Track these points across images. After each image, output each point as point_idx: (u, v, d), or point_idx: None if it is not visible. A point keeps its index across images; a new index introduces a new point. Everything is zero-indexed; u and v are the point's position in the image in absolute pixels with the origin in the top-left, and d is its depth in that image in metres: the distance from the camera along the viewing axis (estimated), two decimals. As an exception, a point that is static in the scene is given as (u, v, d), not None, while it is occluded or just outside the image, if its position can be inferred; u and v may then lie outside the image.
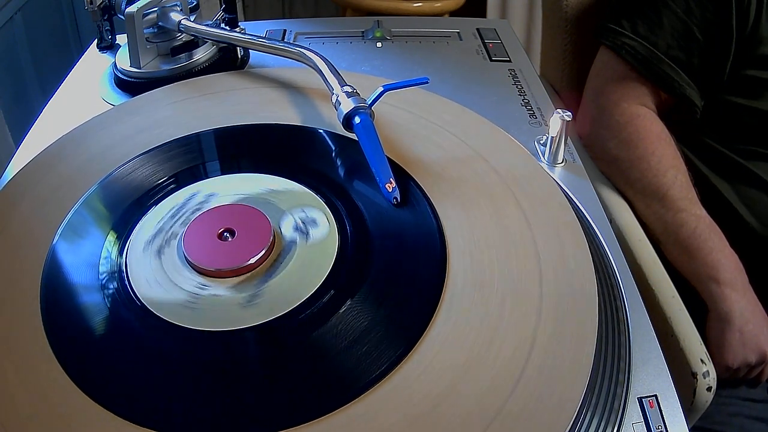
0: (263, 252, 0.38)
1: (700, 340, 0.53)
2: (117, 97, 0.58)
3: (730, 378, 0.60)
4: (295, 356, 0.34)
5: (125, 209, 0.42)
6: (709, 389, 0.51)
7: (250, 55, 0.64)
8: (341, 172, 0.46)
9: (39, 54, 1.15)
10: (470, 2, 1.29)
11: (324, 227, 0.40)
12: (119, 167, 0.45)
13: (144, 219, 0.41)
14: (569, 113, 0.49)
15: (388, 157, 0.43)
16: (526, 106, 0.58)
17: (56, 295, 0.37)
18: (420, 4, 1.25)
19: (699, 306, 0.60)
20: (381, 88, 0.46)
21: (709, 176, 0.69)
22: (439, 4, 1.25)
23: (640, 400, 0.35)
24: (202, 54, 0.59)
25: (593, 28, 0.72)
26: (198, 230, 0.40)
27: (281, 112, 0.51)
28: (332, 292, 0.36)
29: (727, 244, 0.62)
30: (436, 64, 0.65)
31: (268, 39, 0.57)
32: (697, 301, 0.60)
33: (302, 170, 0.45)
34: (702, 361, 0.51)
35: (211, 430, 0.31)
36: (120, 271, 0.38)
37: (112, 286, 0.37)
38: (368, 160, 0.43)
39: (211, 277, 0.38)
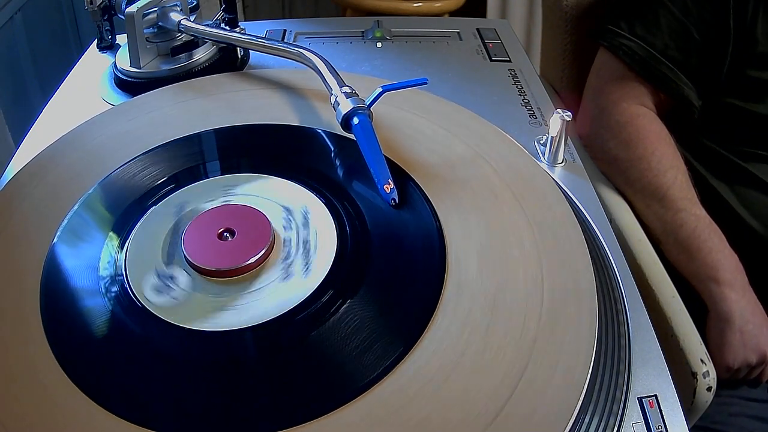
0: (263, 252, 0.38)
1: (700, 340, 0.53)
2: (117, 97, 0.58)
3: (730, 378, 0.60)
4: (295, 356, 0.34)
5: (125, 209, 0.42)
6: (709, 389, 0.50)
7: (250, 55, 0.64)
8: (341, 172, 0.46)
9: (39, 54, 1.15)
10: (470, 2, 1.29)
11: (323, 227, 0.40)
12: (119, 167, 0.45)
13: (143, 221, 0.41)
14: (569, 113, 0.49)
15: (387, 158, 0.43)
16: (526, 106, 0.58)
17: (56, 295, 0.37)
18: (420, 4, 1.25)
19: (699, 306, 0.60)
20: (380, 89, 0.46)
21: (707, 178, 0.69)
22: (439, 4, 1.25)
23: (640, 400, 0.35)
24: (202, 54, 0.59)
25: (593, 28, 0.72)
26: (198, 230, 0.40)
27: (281, 112, 0.51)
28: (331, 292, 0.36)
29: (727, 244, 0.62)
30: (436, 64, 0.65)
31: (268, 39, 0.57)
32: (697, 301, 0.60)
33: (301, 170, 0.45)
34: (702, 361, 0.51)
35: (211, 429, 0.31)
36: (120, 271, 0.38)
37: (111, 287, 0.37)
38: (366, 161, 0.43)
39: (211, 276, 0.38)
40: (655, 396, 0.35)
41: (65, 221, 0.41)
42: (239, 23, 0.63)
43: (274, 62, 0.61)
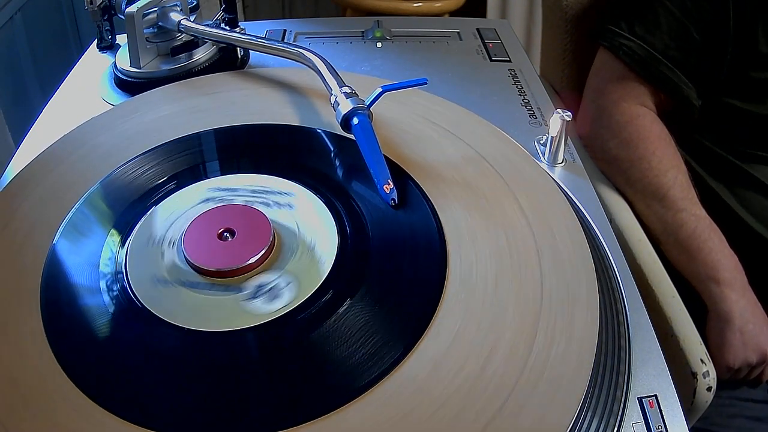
0: (263, 252, 0.38)
1: (700, 340, 0.53)
2: (117, 97, 0.58)
3: (730, 379, 0.60)
4: (295, 356, 0.34)
5: (126, 209, 0.42)
6: (709, 389, 0.51)
7: (250, 55, 0.64)
8: (341, 172, 0.46)
9: (39, 54, 1.15)
10: (470, 2, 1.29)
11: (323, 227, 0.40)
12: (120, 167, 0.45)
13: (145, 217, 0.41)
14: (569, 113, 0.49)
15: (387, 158, 0.43)
16: (526, 106, 0.58)
17: (57, 295, 0.37)
18: (420, 4, 1.25)
19: (699, 306, 0.60)
20: (380, 89, 0.46)
21: (706, 178, 0.69)
22: (439, 4, 1.25)
23: (640, 400, 0.35)
24: (202, 54, 0.59)
25: (593, 28, 0.72)
26: (198, 230, 0.40)
27: (281, 112, 0.51)
28: (332, 292, 0.36)
29: (727, 244, 0.62)
30: (436, 64, 0.65)
31: (268, 39, 0.57)
32: (697, 301, 0.60)
33: (302, 170, 0.45)
34: (702, 361, 0.51)
35: (211, 429, 0.31)
36: (120, 271, 0.38)
37: (112, 287, 0.37)
38: (366, 161, 0.43)
39: (211, 277, 0.38)
40: (655, 396, 0.35)
41: (66, 221, 0.41)
42: (239, 23, 0.63)
43: (274, 62, 0.61)
